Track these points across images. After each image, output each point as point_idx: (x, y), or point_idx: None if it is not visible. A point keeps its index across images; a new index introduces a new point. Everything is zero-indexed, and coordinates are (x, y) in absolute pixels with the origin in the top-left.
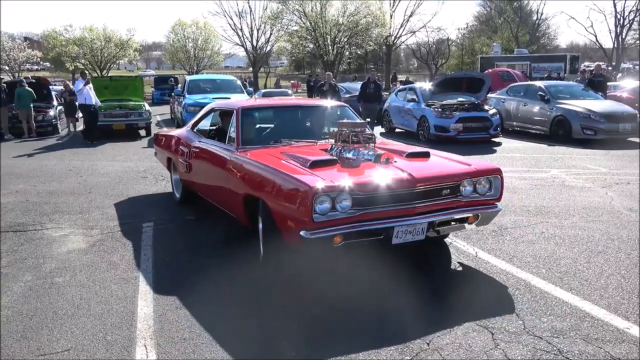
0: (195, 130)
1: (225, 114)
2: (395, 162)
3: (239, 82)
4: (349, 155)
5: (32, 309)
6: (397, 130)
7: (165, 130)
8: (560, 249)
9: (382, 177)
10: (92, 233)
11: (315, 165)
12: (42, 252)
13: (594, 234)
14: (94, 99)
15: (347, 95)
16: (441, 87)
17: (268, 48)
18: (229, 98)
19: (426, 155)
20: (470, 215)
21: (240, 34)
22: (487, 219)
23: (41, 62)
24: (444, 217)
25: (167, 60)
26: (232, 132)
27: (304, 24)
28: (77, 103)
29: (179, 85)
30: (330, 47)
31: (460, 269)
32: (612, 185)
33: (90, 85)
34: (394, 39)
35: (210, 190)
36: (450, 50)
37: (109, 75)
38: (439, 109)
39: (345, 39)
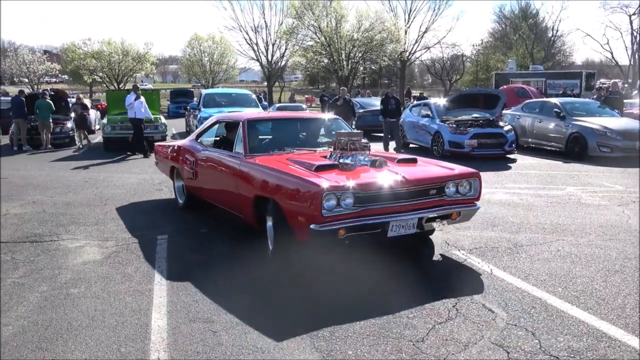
0: (199, 140)
1: (231, 126)
2: (388, 166)
3: (254, 96)
4: (348, 161)
5: (48, 320)
6: (411, 145)
7: (166, 142)
8: (576, 268)
9: (379, 178)
10: (107, 245)
11: (320, 169)
12: (58, 263)
13: (611, 253)
14: (146, 113)
15: (361, 110)
16: (456, 103)
17: (283, 63)
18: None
19: (414, 161)
20: (454, 212)
21: (255, 48)
22: (467, 216)
23: (60, 75)
24: (431, 213)
25: (183, 73)
26: (238, 141)
27: (319, 39)
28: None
29: (195, 99)
30: (344, 62)
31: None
32: (629, 204)
33: (142, 99)
34: (409, 55)
35: (218, 194)
36: (464, 66)
37: (126, 88)
38: (454, 125)
39: (360, 54)
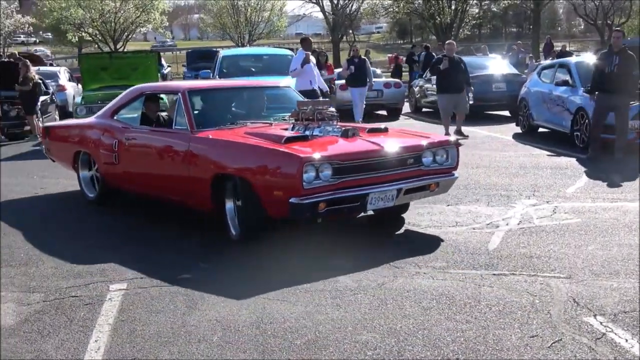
0: (115, 118)
1: (151, 100)
2: (360, 136)
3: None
4: (316, 132)
5: None
6: (540, 130)
7: (60, 122)
8: None
9: (356, 148)
10: (31, 299)
11: (290, 140)
12: None
13: None
14: (319, 82)
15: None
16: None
17: (354, 6)
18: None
19: (386, 130)
20: (432, 183)
21: None
22: (446, 187)
23: (41, 33)
24: (410, 184)
25: (208, 26)
26: (179, 116)
27: None
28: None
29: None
30: (445, 3)
31: None
32: None
33: (313, 61)
34: None
35: (156, 180)
36: (632, 3)
37: (109, 51)
38: None
39: None
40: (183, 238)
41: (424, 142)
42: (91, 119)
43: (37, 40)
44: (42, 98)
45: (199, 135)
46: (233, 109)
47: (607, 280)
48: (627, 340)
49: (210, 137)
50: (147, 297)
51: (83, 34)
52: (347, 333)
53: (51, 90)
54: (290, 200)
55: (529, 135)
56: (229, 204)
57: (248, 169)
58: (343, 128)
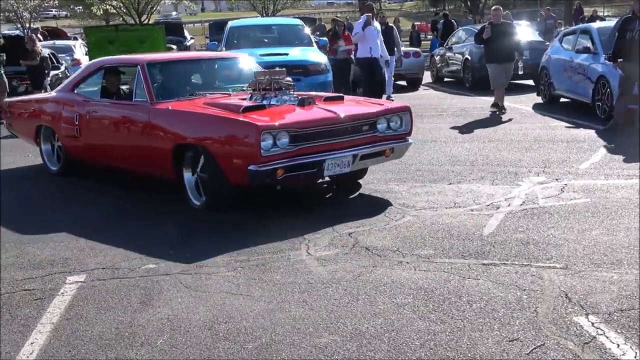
0: (75, 92)
1: (112, 73)
2: (316, 105)
3: (306, 29)
4: (273, 102)
5: None
6: (562, 100)
7: (22, 97)
8: None
9: (311, 116)
10: None
11: (248, 110)
12: None
13: None
14: (381, 49)
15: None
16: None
17: None
18: (287, 54)
19: (341, 98)
20: (387, 149)
21: None
22: (400, 153)
23: (71, 7)
24: (365, 150)
25: None
26: (139, 88)
27: None
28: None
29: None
30: None
31: None
32: None
33: (376, 24)
34: None
35: (118, 152)
36: None
37: (114, 23)
38: None
39: None
40: (152, 219)
41: (378, 110)
42: (52, 93)
43: (68, 14)
44: (53, 72)
45: (159, 106)
46: (192, 80)
47: (607, 272)
48: (618, 346)
49: (170, 108)
50: (102, 291)
51: (107, 6)
52: (306, 335)
53: (64, 64)
54: (249, 168)
55: (549, 106)
56: (187, 174)
57: (208, 139)
58: (299, 97)
